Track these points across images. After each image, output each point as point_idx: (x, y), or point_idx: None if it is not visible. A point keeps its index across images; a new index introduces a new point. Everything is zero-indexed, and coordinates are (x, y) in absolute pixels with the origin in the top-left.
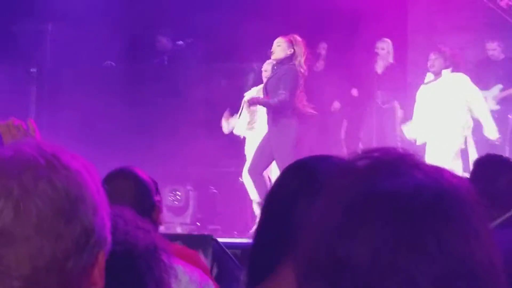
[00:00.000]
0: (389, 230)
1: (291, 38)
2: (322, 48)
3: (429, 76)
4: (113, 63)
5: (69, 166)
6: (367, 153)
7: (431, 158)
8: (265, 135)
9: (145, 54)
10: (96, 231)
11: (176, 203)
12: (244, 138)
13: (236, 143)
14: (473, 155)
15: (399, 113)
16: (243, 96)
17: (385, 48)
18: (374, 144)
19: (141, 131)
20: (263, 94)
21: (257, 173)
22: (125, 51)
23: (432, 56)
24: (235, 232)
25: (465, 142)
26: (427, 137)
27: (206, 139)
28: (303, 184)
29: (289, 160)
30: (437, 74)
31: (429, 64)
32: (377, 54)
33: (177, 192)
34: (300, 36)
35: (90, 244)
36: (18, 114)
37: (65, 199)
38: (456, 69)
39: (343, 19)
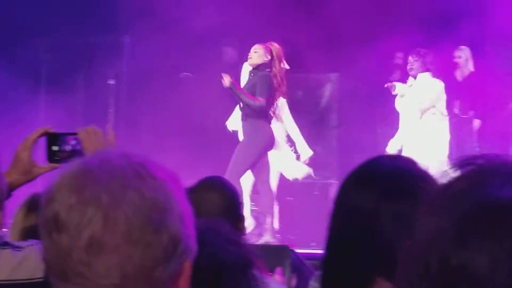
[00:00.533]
0: (508, 240)
1: (269, 45)
2: (398, 58)
3: (410, 80)
4: (190, 74)
5: (156, 175)
6: (470, 160)
7: None
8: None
9: (221, 65)
10: (182, 240)
11: (255, 211)
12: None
13: (315, 153)
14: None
15: (476, 123)
16: (319, 106)
17: (462, 56)
18: (453, 154)
19: (219, 141)
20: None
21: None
22: (201, 62)
23: (411, 58)
24: (313, 243)
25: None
26: (403, 145)
27: None
28: (381, 189)
29: (246, 162)
30: (414, 77)
31: (408, 67)
32: (455, 63)
33: (255, 203)
34: (373, 44)
35: (177, 253)
36: (96, 125)
37: (153, 208)
38: (437, 74)
39: (419, 28)
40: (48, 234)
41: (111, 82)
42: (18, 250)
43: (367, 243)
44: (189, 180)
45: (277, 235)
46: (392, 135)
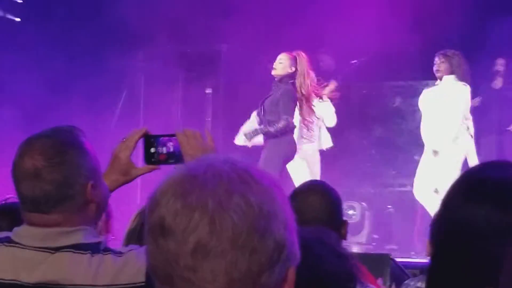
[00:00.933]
0: None
1: (295, 55)
2: (500, 65)
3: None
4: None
5: (261, 181)
6: None
7: (425, 166)
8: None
9: (317, 73)
10: (287, 246)
11: (353, 218)
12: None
13: (411, 162)
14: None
15: None
16: (417, 114)
17: None
18: None
19: None
20: (260, 110)
21: None
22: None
23: (437, 60)
24: (413, 252)
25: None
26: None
27: (381, 158)
28: (492, 202)
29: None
30: (441, 79)
31: (434, 68)
32: None
33: (353, 211)
34: (472, 51)
35: (282, 260)
36: None
37: (259, 214)
38: (462, 77)
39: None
40: (154, 239)
41: (208, 91)
42: (119, 256)
43: (478, 256)
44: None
45: (373, 244)
46: (493, 143)
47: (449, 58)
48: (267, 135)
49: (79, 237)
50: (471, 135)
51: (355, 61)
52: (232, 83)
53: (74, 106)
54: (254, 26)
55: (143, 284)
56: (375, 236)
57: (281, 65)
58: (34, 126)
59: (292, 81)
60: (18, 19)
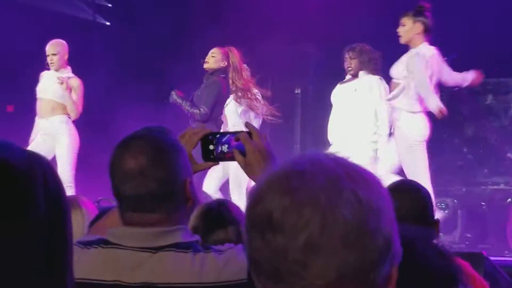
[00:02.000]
0: None
1: (228, 50)
2: None
3: (348, 76)
4: None
5: (367, 177)
6: None
7: None
8: None
9: None
10: (394, 243)
11: (445, 212)
12: None
13: (504, 160)
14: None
15: None
16: (508, 111)
17: None
18: None
19: None
20: (190, 101)
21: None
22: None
23: (347, 55)
24: (507, 251)
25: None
26: (336, 142)
27: (473, 156)
28: None
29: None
30: (355, 76)
31: (345, 65)
32: None
33: (446, 210)
34: None
35: (389, 257)
36: (283, 133)
37: (369, 210)
38: (375, 71)
39: None
40: (261, 234)
41: (297, 91)
42: (220, 254)
43: None
44: None
45: (466, 243)
46: None
47: (358, 53)
48: (188, 112)
49: (178, 236)
50: (388, 133)
51: (445, 58)
52: (320, 84)
53: (158, 106)
54: (341, 28)
55: (245, 281)
56: (468, 235)
57: (214, 58)
58: (106, 131)
59: (223, 75)
60: (108, 23)
